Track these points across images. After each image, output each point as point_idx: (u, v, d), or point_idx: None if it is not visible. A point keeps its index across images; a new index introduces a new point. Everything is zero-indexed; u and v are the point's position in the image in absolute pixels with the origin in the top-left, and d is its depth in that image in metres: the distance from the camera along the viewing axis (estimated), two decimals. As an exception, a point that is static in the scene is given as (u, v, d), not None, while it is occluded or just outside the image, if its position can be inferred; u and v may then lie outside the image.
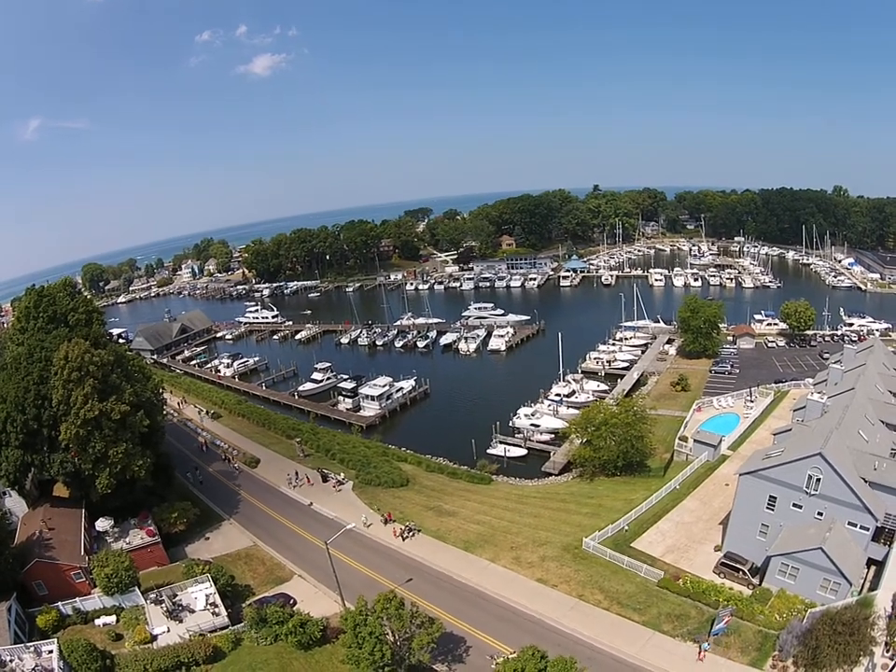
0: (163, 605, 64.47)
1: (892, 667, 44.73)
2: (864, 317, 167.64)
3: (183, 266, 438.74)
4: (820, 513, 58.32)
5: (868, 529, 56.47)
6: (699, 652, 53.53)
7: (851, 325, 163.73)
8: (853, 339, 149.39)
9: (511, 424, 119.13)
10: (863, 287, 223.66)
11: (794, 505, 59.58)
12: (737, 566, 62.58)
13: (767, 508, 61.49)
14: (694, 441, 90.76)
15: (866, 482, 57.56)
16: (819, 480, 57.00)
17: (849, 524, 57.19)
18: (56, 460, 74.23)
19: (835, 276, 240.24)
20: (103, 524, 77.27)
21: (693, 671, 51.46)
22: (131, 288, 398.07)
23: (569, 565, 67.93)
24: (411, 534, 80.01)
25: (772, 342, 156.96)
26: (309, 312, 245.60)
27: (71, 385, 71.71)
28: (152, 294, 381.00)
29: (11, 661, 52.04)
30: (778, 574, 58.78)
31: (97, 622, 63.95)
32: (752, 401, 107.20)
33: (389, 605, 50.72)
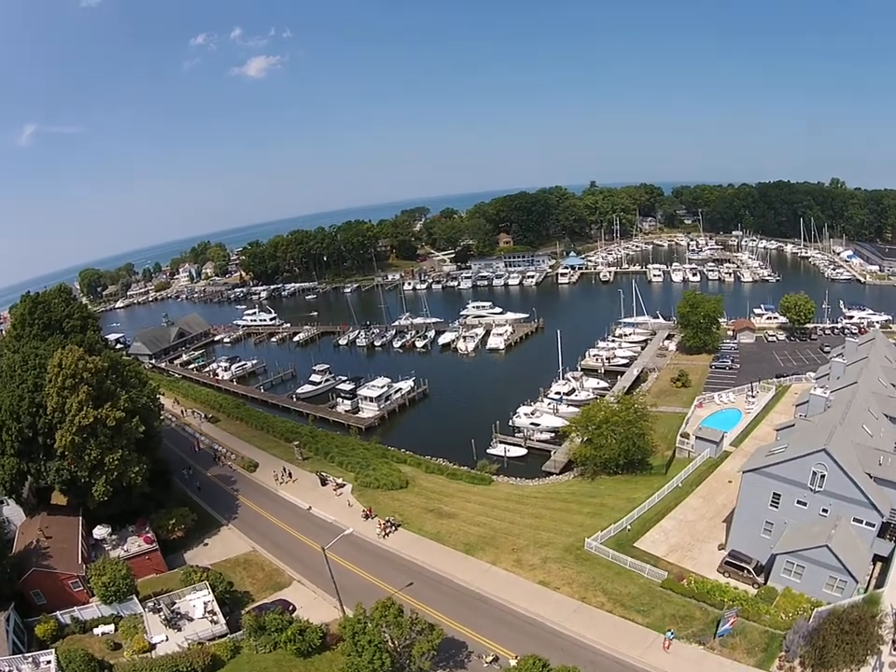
0: (161, 613, 63.88)
1: None
2: (864, 310, 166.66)
3: (181, 270, 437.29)
4: (825, 510, 57.64)
5: (874, 526, 55.89)
6: (665, 642, 53.59)
7: (851, 317, 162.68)
8: (853, 331, 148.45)
9: (510, 423, 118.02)
10: (862, 280, 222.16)
11: (799, 502, 58.91)
12: (742, 564, 61.89)
13: (771, 505, 60.81)
14: (696, 437, 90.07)
15: (871, 477, 56.88)
16: (823, 476, 56.27)
17: (855, 520, 56.58)
18: (52, 468, 73.85)
19: (834, 269, 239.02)
20: (100, 531, 76.60)
21: (694, 672, 50.64)
22: (128, 293, 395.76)
23: (571, 566, 67.04)
24: (393, 528, 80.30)
25: (772, 336, 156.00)
26: (315, 314, 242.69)
27: (65, 392, 71.32)
28: (150, 298, 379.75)
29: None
30: (784, 572, 58.20)
31: (96, 631, 63.32)
32: (754, 396, 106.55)
33: (388, 612, 49.93)
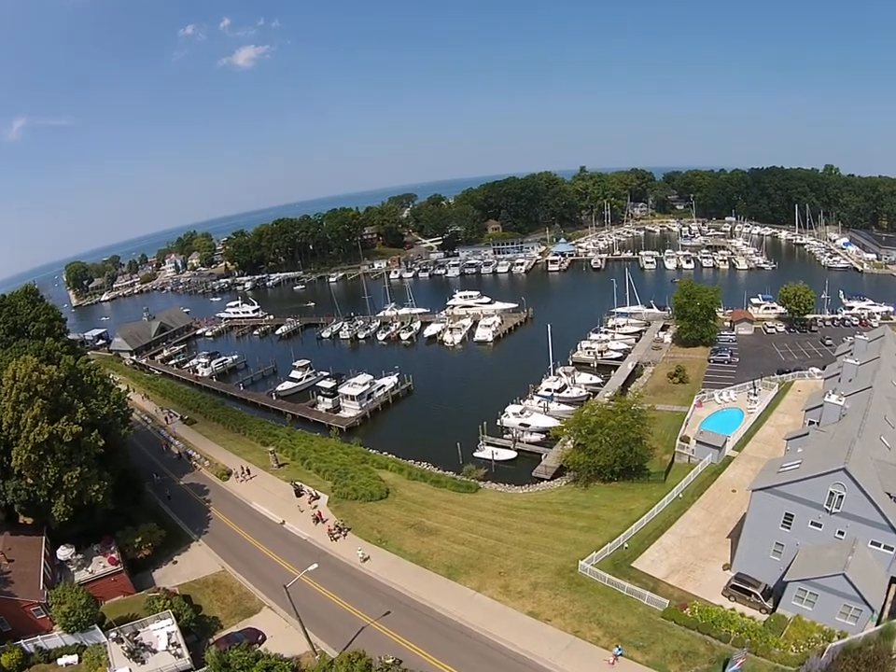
0: (124, 644, 58.79)
1: None
2: (864, 300, 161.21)
3: (166, 261, 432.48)
4: (841, 532, 52.78)
5: (892, 549, 50.98)
6: (611, 658, 50.79)
7: (851, 308, 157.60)
8: (854, 323, 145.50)
9: (498, 423, 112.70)
10: (860, 268, 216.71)
11: (813, 524, 54.00)
12: (749, 588, 57.08)
13: (783, 526, 55.87)
14: (697, 441, 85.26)
15: (891, 497, 51.83)
16: (841, 497, 51.29)
17: (872, 543, 51.68)
18: (10, 488, 69.54)
19: (830, 257, 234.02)
20: (64, 552, 71.89)
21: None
22: (114, 286, 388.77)
23: (564, 594, 61.60)
24: (341, 533, 78.70)
25: (771, 327, 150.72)
26: (312, 304, 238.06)
27: (20, 406, 66.82)
28: (135, 291, 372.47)
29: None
30: (795, 600, 53.43)
31: (60, 661, 59.66)
32: (756, 395, 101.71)
33: (354, 667, 44.56)
